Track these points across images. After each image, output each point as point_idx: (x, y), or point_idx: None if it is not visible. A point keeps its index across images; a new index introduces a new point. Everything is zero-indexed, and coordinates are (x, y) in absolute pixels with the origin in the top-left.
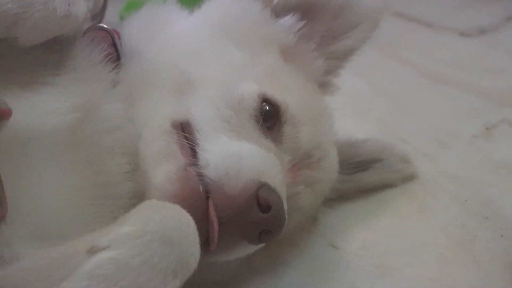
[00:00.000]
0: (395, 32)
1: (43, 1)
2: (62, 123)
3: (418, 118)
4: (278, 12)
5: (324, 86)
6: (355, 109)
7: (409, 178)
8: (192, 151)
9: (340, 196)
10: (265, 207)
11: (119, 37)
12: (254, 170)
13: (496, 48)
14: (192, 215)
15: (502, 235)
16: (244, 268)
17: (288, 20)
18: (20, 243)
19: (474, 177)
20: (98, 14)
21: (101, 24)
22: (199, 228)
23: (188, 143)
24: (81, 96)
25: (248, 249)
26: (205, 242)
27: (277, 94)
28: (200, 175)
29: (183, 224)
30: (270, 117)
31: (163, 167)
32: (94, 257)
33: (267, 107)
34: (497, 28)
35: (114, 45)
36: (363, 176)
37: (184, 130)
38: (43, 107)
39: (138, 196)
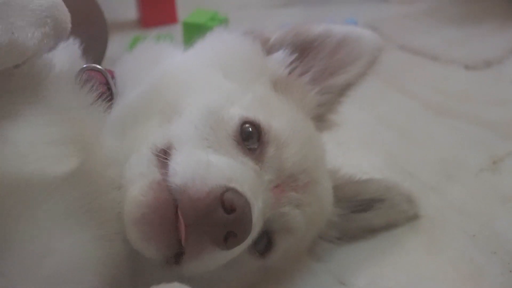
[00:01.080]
0: (400, 65)
1: None
2: (64, 168)
3: (424, 151)
4: (271, 50)
5: (320, 120)
6: (360, 142)
7: (413, 218)
8: (167, 166)
9: (344, 235)
10: (229, 209)
11: (113, 77)
12: (222, 176)
13: (502, 80)
14: (162, 222)
15: (511, 270)
16: None
17: (280, 55)
18: None
19: (482, 210)
20: (95, 43)
21: (94, 65)
22: (169, 236)
23: (165, 162)
24: (79, 140)
25: (219, 256)
26: (177, 255)
27: (262, 117)
28: (168, 183)
29: None
30: (250, 138)
31: (140, 183)
32: None
33: (249, 128)
34: (502, 61)
35: (107, 84)
36: (366, 216)
37: (166, 153)
38: (36, 152)
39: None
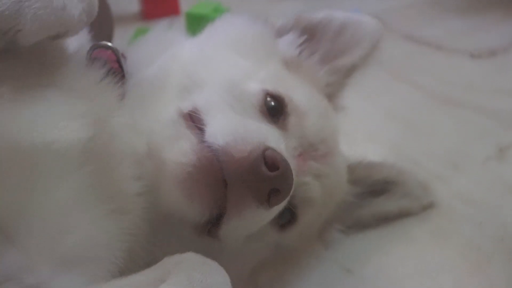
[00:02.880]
0: (404, 55)
1: None
2: (74, 141)
3: (430, 141)
4: (280, 34)
5: (329, 100)
6: (366, 133)
7: (429, 206)
8: (200, 130)
9: (356, 223)
10: (272, 166)
11: (124, 58)
12: (260, 135)
13: (507, 69)
14: (208, 181)
15: None
16: None
17: (289, 37)
18: (39, 268)
19: (489, 199)
20: (101, 33)
21: (104, 42)
22: (215, 194)
23: (196, 126)
24: (91, 113)
25: (260, 217)
26: (218, 216)
27: (281, 90)
28: (209, 145)
29: (223, 283)
30: (275, 112)
31: (176, 145)
32: None
33: (272, 102)
34: (508, 49)
35: (118, 62)
36: (381, 201)
37: (192, 117)
38: (54, 124)
39: (150, 207)
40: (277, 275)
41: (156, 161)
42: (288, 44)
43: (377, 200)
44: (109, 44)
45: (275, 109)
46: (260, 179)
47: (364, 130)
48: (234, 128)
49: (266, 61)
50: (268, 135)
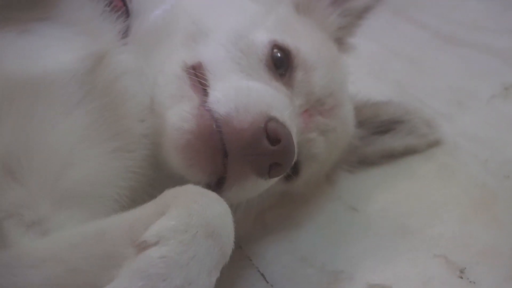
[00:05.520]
0: None
1: None
2: (72, 71)
3: (435, 79)
4: None
5: (339, 43)
6: (370, 71)
7: (434, 143)
8: (204, 91)
9: (362, 161)
10: (274, 140)
11: None
12: (263, 104)
13: None
14: (207, 150)
15: None
16: (265, 230)
17: None
18: (40, 204)
19: (494, 136)
20: None
21: None
22: (214, 163)
23: (200, 83)
24: (90, 46)
25: (259, 185)
26: (219, 180)
27: (289, 40)
28: (211, 112)
29: (223, 214)
30: (281, 64)
31: (178, 107)
32: (144, 254)
33: (278, 53)
34: None
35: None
36: (386, 139)
37: (196, 72)
38: (52, 56)
39: (153, 148)
40: (284, 213)
41: (159, 118)
42: None
43: (383, 138)
44: None
45: (281, 61)
46: (261, 153)
47: (368, 69)
48: (237, 95)
49: (277, 4)
50: (272, 102)
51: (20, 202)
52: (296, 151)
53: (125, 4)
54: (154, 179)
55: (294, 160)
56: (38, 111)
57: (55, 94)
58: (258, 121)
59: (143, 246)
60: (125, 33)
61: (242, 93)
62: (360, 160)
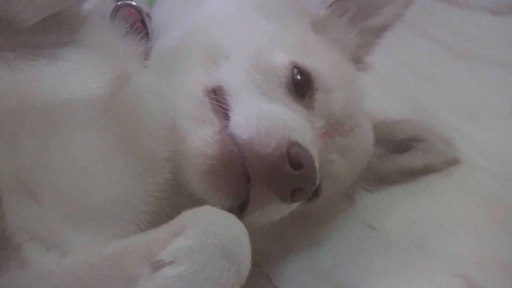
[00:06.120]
0: (424, 11)
1: None
2: (97, 97)
3: (450, 95)
4: None
5: (357, 62)
6: (384, 87)
7: (453, 162)
8: (225, 115)
9: (380, 180)
10: (297, 165)
11: (148, 17)
12: (285, 128)
13: None
14: (230, 175)
15: None
16: (284, 249)
17: None
18: (60, 226)
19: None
20: None
21: (129, 1)
22: (237, 188)
23: (221, 107)
24: (114, 70)
25: (282, 209)
26: (241, 204)
27: (308, 62)
28: (233, 136)
29: (239, 235)
30: (301, 86)
31: (199, 131)
32: (159, 273)
33: (298, 76)
34: None
35: (142, 21)
36: (405, 157)
37: (217, 95)
38: (77, 82)
39: (176, 172)
40: (303, 232)
41: (180, 142)
42: (318, 3)
43: (401, 156)
44: (133, 2)
45: (301, 83)
46: (284, 178)
47: (383, 84)
48: (259, 119)
49: (294, 23)
50: (294, 126)
51: (41, 224)
52: (316, 184)
53: (145, 26)
54: (176, 202)
55: (316, 184)
56: (60, 134)
57: (78, 118)
58: (280, 146)
59: (158, 265)
60: (146, 54)
61: (264, 117)
62: (379, 178)
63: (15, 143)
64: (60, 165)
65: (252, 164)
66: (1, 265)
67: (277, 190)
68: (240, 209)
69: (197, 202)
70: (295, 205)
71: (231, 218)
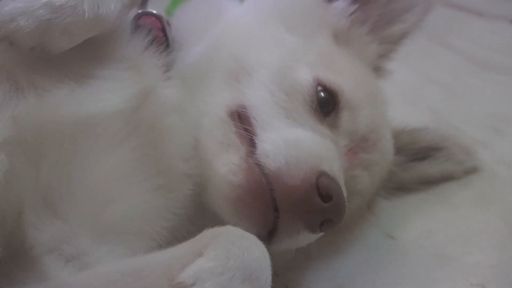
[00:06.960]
0: (444, 21)
1: (73, 5)
2: (118, 111)
3: (471, 106)
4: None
5: (377, 70)
6: (406, 98)
7: (472, 170)
8: (250, 140)
9: (399, 188)
10: (326, 196)
11: (169, 25)
12: (313, 158)
13: None
14: (258, 204)
15: None
16: (302, 257)
17: (341, 4)
18: (80, 238)
19: None
20: (143, 2)
21: (149, 10)
22: (265, 217)
23: (246, 131)
24: (136, 84)
25: (310, 238)
26: (270, 231)
27: (332, 78)
28: (260, 166)
29: (261, 258)
30: (325, 104)
31: (225, 158)
32: None
33: (322, 93)
34: None
35: (163, 30)
36: (424, 165)
37: (241, 117)
38: (99, 98)
39: (197, 189)
40: (321, 241)
41: (205, 165)
42: (339, 13)
43: (420, 164)
44: (154, 11)
45: (325, 101)
46: (313, 210)
47: (404, 95)
48: (287, 149)
49: (315, 36)
50: (321, 154)
51: (60, 236)
52: (344, 214)
53: (166, 36)
54: (195, 217)
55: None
56: (81, 148)
57: (99, 132)
58: (309, 178)
59: (180, 287)
60: (169, 66)
61: (291, 146)
62: (398, 186)
63: (38, 158)
64: (81, 179)
65: (281, 195)
66: (20, 277)
67: (306, 221)
68: (268, 236)
69: (218, 219)
70: (322, 233)
71: (253, 239)
